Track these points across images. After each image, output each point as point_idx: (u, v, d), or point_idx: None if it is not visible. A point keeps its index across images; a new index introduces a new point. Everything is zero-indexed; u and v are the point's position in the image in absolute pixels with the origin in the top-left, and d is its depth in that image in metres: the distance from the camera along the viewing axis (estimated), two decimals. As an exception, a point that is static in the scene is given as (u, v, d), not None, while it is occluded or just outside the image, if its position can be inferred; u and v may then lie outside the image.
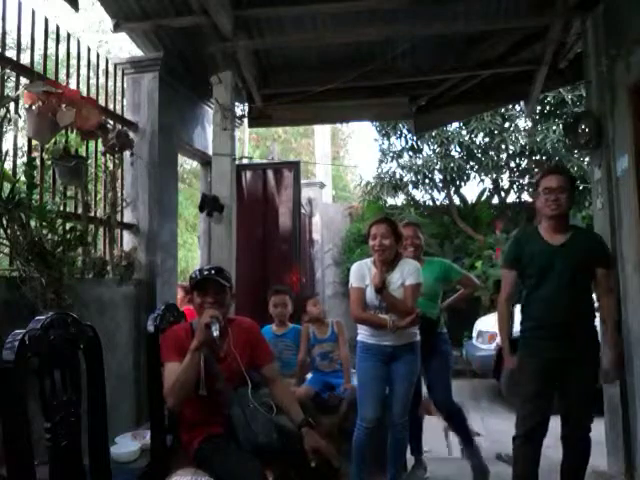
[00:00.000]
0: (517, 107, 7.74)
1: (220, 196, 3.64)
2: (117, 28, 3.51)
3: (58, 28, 3.06)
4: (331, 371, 3.53)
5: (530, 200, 8.64)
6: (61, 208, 2.84)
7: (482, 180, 8.62)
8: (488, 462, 3.32)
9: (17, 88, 2.68)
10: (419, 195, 8.98)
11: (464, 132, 8.04)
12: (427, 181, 8.59)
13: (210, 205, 3.60)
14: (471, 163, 8.27)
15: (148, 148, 3.70)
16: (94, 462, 1.84)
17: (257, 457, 2.08)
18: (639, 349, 2.93)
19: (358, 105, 4.85)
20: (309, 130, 14.67)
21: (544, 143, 7.57)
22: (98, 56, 3.47)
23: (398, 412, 2.87)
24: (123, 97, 3.75)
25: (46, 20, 2.94)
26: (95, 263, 3.08)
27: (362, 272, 2.92)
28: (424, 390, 3.43)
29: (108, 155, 3.35)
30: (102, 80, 3.50)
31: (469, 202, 9.15)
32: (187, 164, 12.13)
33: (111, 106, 3.55)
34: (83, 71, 3.56)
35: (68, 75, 3.15)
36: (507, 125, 8.04)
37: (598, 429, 3.38)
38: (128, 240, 3.64)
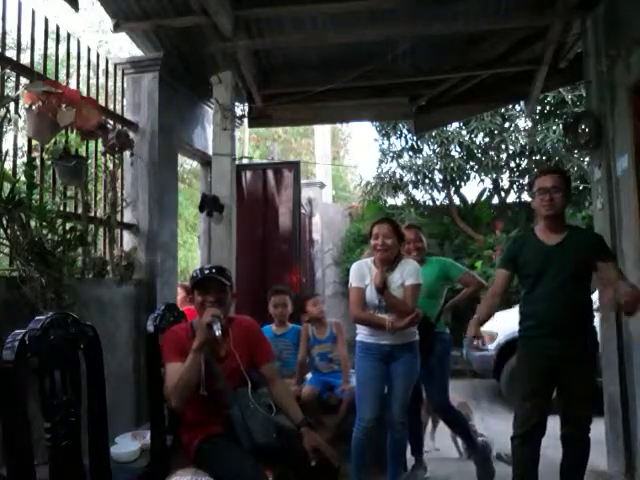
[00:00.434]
0: (517, 107, 7.75)
1: (220, 196, 3.64)
2: (117, 28, 3.51)
3: (58, 28, 3.06)
4: (330, 372, 3.54)
5: (530, 200, 8.65)
6: (61, 208, 2.84)
7: (482, 180, 8.62)
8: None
9: (17, 88, 2.68)
10: (419, 195, 8.99)
11: (464, 132, 8.04)
12: (427, 181, 8.60)
13: (210, 205, 3.60)
14: (471, 163, 8.28)
15: (148, 148, 3.70)
16: (94, 462, 1.84)
17: (257, 457, 2.08)
18: (639, 350, 2.93)
19: (358, 105, 4.85)
20: (309, 130, 14.67)
21: (544, 143, 7.57)
22: (98, 56, 3.47)
23: (397, 412, 2.87)
24: (123, 97, 3.75)
25: (46, 20, 2.94)
26: (95, 263, 3.08)
27: (362, 272, 2.92)
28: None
29: (108, 155, 3.35)
30: (102, 80, 3.50)
31: (469, 202, 9.16)
32: (187, 164, 12.13)
33: (111, 106, 3.55)
34: (83, 71, 3.56)
35: (68, 75, 3.15)
36: (507, 125, 8.04)
37: (598, 429, 3.39)
38: (128, 240, 3.64)
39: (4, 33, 2.66)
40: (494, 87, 4.58)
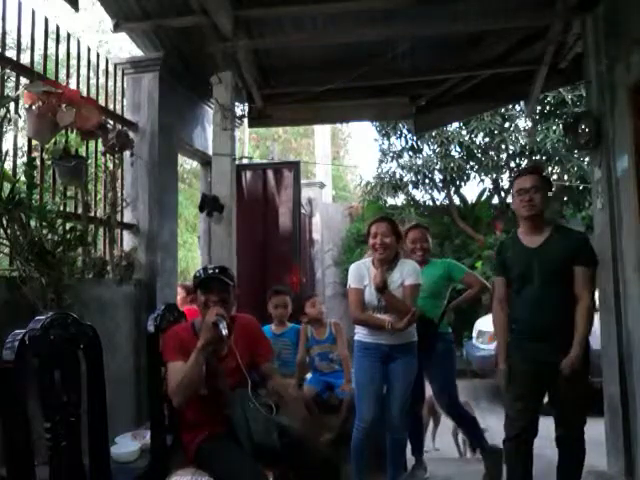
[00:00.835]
0: (517, 107, 7.75)
1: (220, 196, 3.64)
2: (117, 28, 3.51)
3: (58, 28, 3.06)
4: (331, 372, 3.54)
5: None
6: (61, 208, 2.83)
7: (482, 180, 8.62)
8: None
9: (17, 88, 2.68)
10: (419, 195, 9.00)
11: (464, 132, 8.05)
12: (427, 181, 8.60)
13: (210, 205, 3.60)
14: (471, 163, 8.28)
15: (148, 148, 3.70)
16: (94, 462, 1.84)
17: (257, 457, 2.08)
18: (639, 349, 2.93)
19: (358, 105, 4.85)
20: (309, 130, 14.68)
21: (544, 143, 7.57)
22: (98, 56, 3.47)
23: (396, 412, 2.87)
24: (123, 97, 3.75)
25: (46, 20, 2.94)
26: (95, 263, 3.08)
27: (361, 272, 2.92)
28: (428, 391, 3.43)
29: (108, 155, 3.35)
30: (102, 80, 3.50)
31: (469, 202, 9.16)
32: (187, 164, 12.14)
33: (111, 106, 3.55)
34: (83, 71, 3.56)
35: (68, 75, 3.15)
36: (507, 125, 8.04)
37: (598, 429, 3.39)
38: (128, 240, 3.64)
39: (4, 33, 2.66)
40: (494, 87, 4.58)
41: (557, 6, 3.51)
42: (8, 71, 2.64)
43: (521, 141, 7.98)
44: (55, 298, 2.40)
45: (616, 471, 3.17)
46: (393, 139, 8.82)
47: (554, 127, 7.54)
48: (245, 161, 6.64)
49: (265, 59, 4.30)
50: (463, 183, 8.67)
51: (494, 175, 8.42)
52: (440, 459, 3.71)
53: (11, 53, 2.75)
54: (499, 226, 8.29)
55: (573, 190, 8.00)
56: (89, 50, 3.36)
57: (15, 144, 2.72)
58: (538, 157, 7.99)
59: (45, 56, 2.95)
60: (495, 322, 2.74)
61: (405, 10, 3.53)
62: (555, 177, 8.23)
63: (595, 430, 3.46)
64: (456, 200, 8.99)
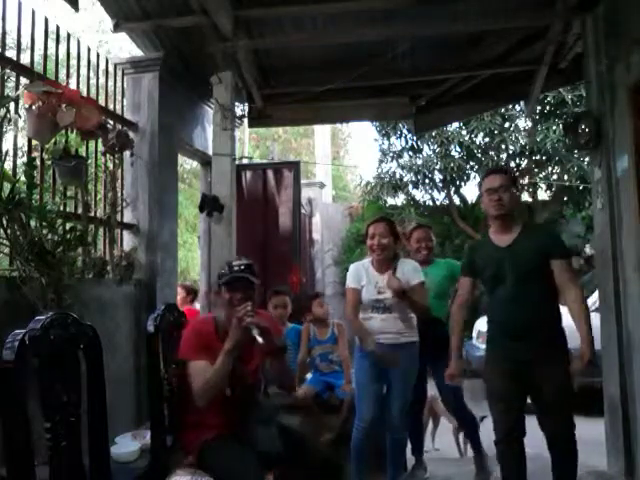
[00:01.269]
0: (517, 107, 7.75)
1: (220, 196, 3.64)
2: (117, 28, 3.51)
3: (58, 28, 3.06)
4: (331, 372, 3.54)
5: (530, 200, 8.65)
6: (61, 208, 2.84)
7: (482, 180, 8.61)
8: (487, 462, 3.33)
9: (17, 88, 2.68)
10: (419, 195, 9.00)
11: (464, 132, 8.05)
12: (427, 181, 8.60)
13: (210, 205, 3.60)
14: (471, 163, 8.28)
15: (148, 148, 3.70)
16: (94, 462, 1.84)
17: (260, 460, 2.07)
18: (639, 350, 2.93)
19: (358, 105, 4.85)
20: (309, 130, 14.68)
21: (544, 143, 7.57)
22: (98, 56, 3.47)
23: (396, 412, 2.87)
24: (123, 97, 3.75)
25: (46, 20, 2.94)
26: (95, 263, 3.08)
27: (359, 273, 2.93)
28: (432, 391, 3.43)
29: (108, 155, 3.35)
30: (102, 80, 3.50)
31: (469, 202, 9.15)
32: (187, 164, 12.14)
33: (111, 106, 3.55)
34: (83, 71, 3.56)
35: (68, 75, 3.15)
36: (507, 125, 8.04)
37: (598, 429, 3.40)
38: (128, 240, 3.64)
39: (4, 33, 2.66)
40: (494, 87, 4.58)
41: (557, 6, 3.51)
42: (8, 71, 2.64)
43: (521, 141, 7.98)
44: (55, 298, 2.39)
45: (616, 471, 3.17)
46: (393, 139, 8.82)
47: (554, 127, 7.54)
48: (245, 161, 6.64)
49: (265, 59, 4.30)
50: (463, 183, 8.67)
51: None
52: (440, 459, 3.71)
53: (11, 53, 2.75)
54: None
55: (573, 190, 8.00)
56: (89, 50, 3.36)
57: (15, 144, 2.72)
58: (538, 157, 7.99)
59: (45, 56, 2.95)
60: (452, 321, 2.75)
61: (405, 10, 3.53)
62: (555, 177, 8.24)
63: (595, 430, 3.47)
64: (456, 200, 8.99)
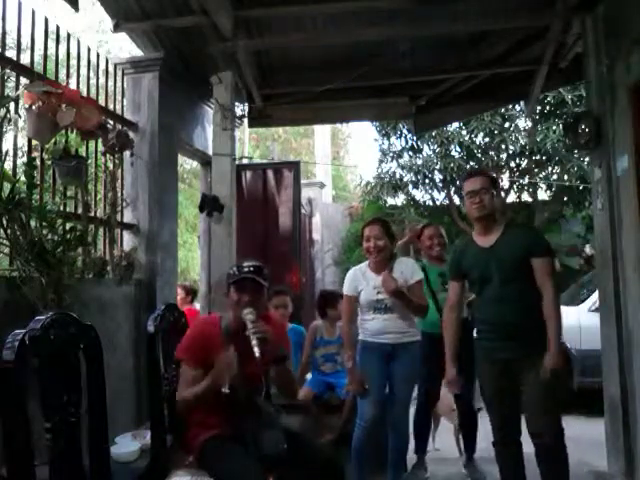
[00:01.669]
0: (517, 107, 7.75)
1: (220, 196, 3.64)
2: (117, 28, 3.51)
3: (58, 28, 3.06)
4: (332, 372, 3.53)
5: (530, 200, 8.66)
6: (61, 208, 2.84)
7: (482, 180, 8.60)
8: (487, 462, 3.33)
9: (17, 88, 2.68)
10: (419, 195, 9.00)
11: (464, 132, 8.05)
12: (427, 181, 8.60)
13: (210, 205, 3.60)
14: (471, 163, 8.28)
15: (148, 148, 3.70)
16: (94, 462, 1.84)
17: (262, 462, 2.06)
18: (639, 350, 2.93)
19: (358, 105, 4.85)
20: (309, 130, 14.69)
21: (544, 143, 7.57)
22: (98, 56, 3.47)
23: (399, 412, 2.88)
24: (123, 97, 3.75)
25: (46, 20, 2.94)
26: (95, 263, 3.08)
27: (355, 279, 2.96)
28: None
29: (108, 155, 3.35)
30: (102, 80, 3.50)
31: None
32: (187, 164, 12.14)
33: (111, 106, 3.55)
34: (83, 71, 3.56)
35: (68, 75, 3.15)
36: (507, 125, 8.04)
37: (598, 429, 3.40)
38: (128, 240, 3.64)
39: (4, 33, 2.66)
40: (494, 87, 4.58)
41: (557, 6, 3.50)
42: (8, 71, 2.64)
43: (521, 141, 7.98)
44: (55, 298, 2.40)
45: (616, 471, 3.17)
46: (393, 139, 8.83)
47: (554, 127, 7.54)
48: (245, 161, 6.65)
49: (265, 59, 4.30)
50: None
51: (494, 175, 8.42)
52: (440, 459, 3.70)
53: (11, 53, 2.75)
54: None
55: (573, 190, 8.00)
56: (89, 50, 3.36)
57: (15, 144, 2.72)
58: (538, 157, 7.99)
59: (45, 56, 2.95)
60: (444, 328, 2.73)
61: (405, 10, 3.53)
62: (555, 177, 8.24)
63: (595, 430, 3.48)
64: (456, 200, 8.98)
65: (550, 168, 8.21)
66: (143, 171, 3.67)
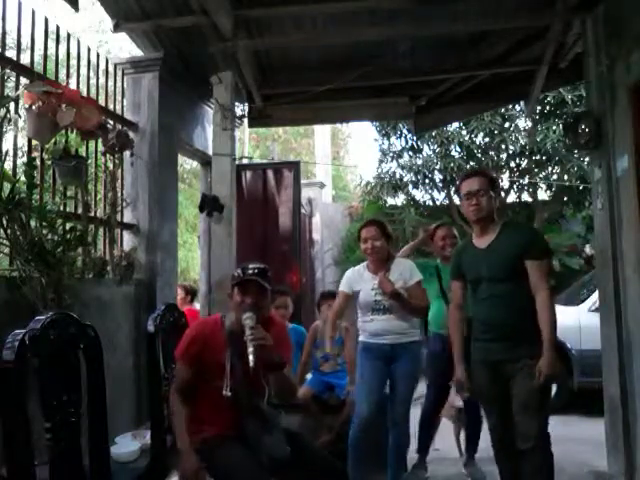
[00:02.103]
0: (517, 107, 7.74)
1: (220, 196, 3.64)
2: (117, 28, 3.51)
3: (58, 28, 3.06)
4: (332, 372, 3.53)
5: (530, 200, 8.65)
6: (61, 208, 2.84)
7: (482, 180, 8.60)
8: (486, 462, 3.33)
9: (17, 88, 2.68)
10: (419, 195, 8.99)
11: (464, 132, 8.04)
12: (427, 181, 8.59)
13: (210, 205, 3.60)
14: (471, 163, 8.27)
15: (148, 148, 3.70)
16: (94, 462, 1.84)
17: (266, 467, 2.05)
18: (639, 350, 2.93)
19: (358, 105, 4.85)
20: (309, 130, 14.67)
21: (544, 143, 7.56)
22: (98, 56, 3.47)
23: (400, 412, 2.88)
24: (123, 97, 3.75)
25: (46, 20, 2.94)
26: (95, 263, 3.08)
27: (353, 279, 2.98)
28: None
29: (108, 155, 3.35)
30: (102, 80, 3.50)
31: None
32: (187, 164, 12.13)
33: (111, 106, 3.55)
34: (83, 71, 3.56)
35: (68, 75, 3.15)
36: (507, 125, 8.03)
37: (598, 429, 3.40)
38: (128, 240, 3.64)
39: (4, 33, 2.66)
40: (494, 87, 4.58)
41: (557, 6, 3.50)
42: (8, 71, 2.64)
43: (521, 141, 7.97)
44: (55, 298, 2.40)
45: (616, 471, 3.17)
46: (393, 139, 8.81)
47: (554, 127, 7.53)
48: (245, 161, 6.65)
49: (265, 59, 4.30)
50: (463, 183, 8.64)
51: (494, 175, 8.42)
52: (440, 459, 3.70)
53: (11, 53, 2.75)
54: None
55: (573, 190, 7.99)
56: (89, 50, 3.36)
57: (15, 144, 2.72)
58: (538, 157, 7.98)
59: (45, 56, 2.96)
60: (450, 327, 2.72)
61: (405, 10, 3.53)
62: (555, 177, 8.23)
63: (595, 430, 3.48)
64: (456, 200, 8.97)
65: (550, 168, 8.20)
66: (143, 171, 3.67)
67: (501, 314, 2.44)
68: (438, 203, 8.99)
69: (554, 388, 3.00)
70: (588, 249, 8.05)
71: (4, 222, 2.35)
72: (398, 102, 4.73)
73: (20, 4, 2.74)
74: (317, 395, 3.46)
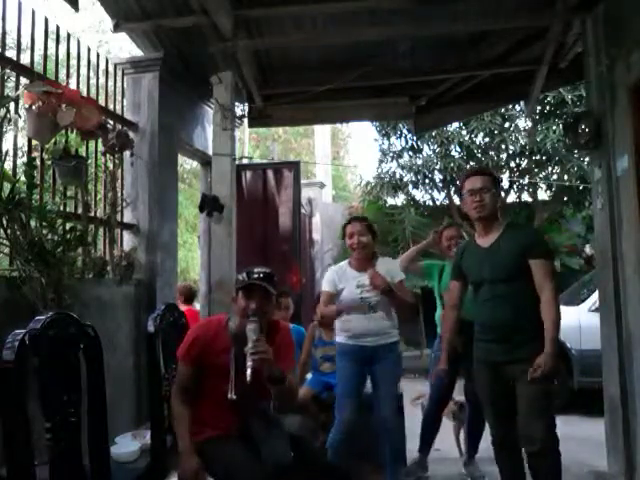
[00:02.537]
0: (517, 107, 7.74)
1: (220, 196, 3.64)
2: (117, 28, 3.51)
3: (58, 28, 3.06)
4: (332, 372, 3.53)
5: (530, 200, 8.66)
6: (61, 208, 2.84)
7: (482, 180, 8.60)
8: (486, 462, 3.33)
9: (17, 88, 2.68)
10: (419, 195, 9.00)
11: (464, 132, 8.04)
12: (427, 181, 8.60)
13: (210, 205, 3.60)
14: (471, 163, 8.27)
15: (148, 148, 3.70)
16: (94, 462, 1.84)
17: (266, 470, 2.04)
18: (639, 350, 2.93)
19: (358, 105, 4.85)
20: (309, 130, 14.68)
21: (544, 143, 7.56)
22: (98, 56, 3.47)
23: (388, 413, 2.85)
24: (123, 97, 3.75)
25: (46, 20, 2.94)
26: (95, 263, 3.08)
27: (335, 277, 2.95)
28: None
29: (108, 155, 3.35)
30: (102, 80, 3.50)
31: (469, 202, 9.13)
32: (187, 164, 12.14)
33: (111, 106, 3.55)
34: (83, 71, 3.56)
35: (68, 75, 3.15)
36: (507, 125, 8.04)
37: (598, 429, 3.40)
38: (128, 240, 3.64)
39: (4, 33, 2.66)
40: (494, 87, 4.58)
41: (557, 6, 3.50)
42: (8, 71, 2.64)
43: (521, 141, 7.98)
44: (55, 298, 2.40)
45: (616, 471, 3.17)
46: (393, 139, 8.82)
47: (554, 127, 7.53)
48: (245, 161, 6.65)
49: (265, 59, 4.30)
50: (463, 183, 8.64)
51: (496, 174, 8.42)
52: (440, 459, 3.70)
53: (11, 53, 2.75)
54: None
55: (573, 190, 7.99)
56: (89, 50, 3.36)
57: (15, 144, 2.72)
58: (538, 157, 7.98)
59: (45, 56, 2.95)
60: (443, 327, 2.73)
61: (405, 10, 3.53)
62: (555, 177, 8.23)
63: (595, 430, 3.48)
64: (456, 200, 8.97)
65: (550, 168, 8.20)
66: (143, 171, 3.67)
67: (503, 315, 2.41)
68: (438, 203, 8.99)
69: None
70: (588, 249, 8.06)
71: (4, 222, 2.35)
72: (398, 102, 4.73)
73: (20, 4, 2.74)
74: (317, 395, 3.45)
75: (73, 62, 3.23)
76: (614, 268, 3.14)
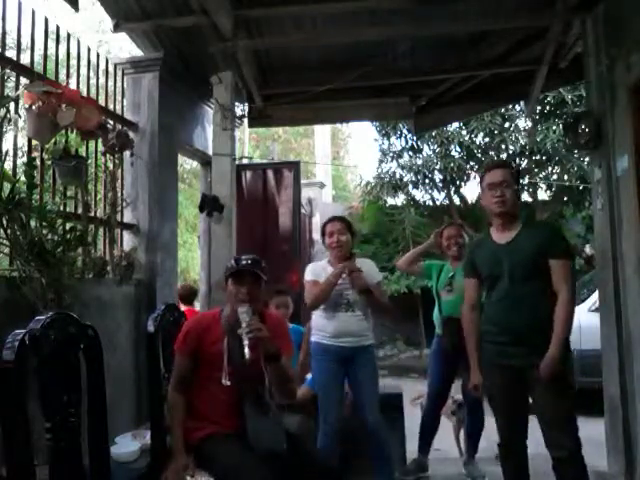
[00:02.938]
0: (517, 107, 7.75)
1: (220, 196, 3.64)
2: (117, 28, 3.51)
3: (58, 28, 3.06)
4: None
5: (530, 200, 8.66)
6: (61, 208, 2.84)
7: (482, 180, 8.62)
8: (487, 462, 3.33)
9: (17, 88, 2.68)
10: (419, 195, 9.01)
11: (464, 132, 8.05)
12: (427, 181, 8.61)
13: (210, 205, 3.60)
14: (471, 163, 8.29)
15: (148, 148, 3.70)
16: (94, 462, 1.84)
17: (261, 458, 2.05)
18: (639, 350, 2.93)
19: (358, 105, 4.85)
20: (309, 130, 14.69)
21: (544, 143, 7.57)
22: (98, 56, 3.47)
23: (372, 414, 2.80)
24: (123, 97, 3.75)
25: (46, 20, 2.94)
26: (95, 263, 3.08)
27: (317, 271, 2.95)
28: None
29: (108, 155, 3.35)
30: (102, 80, 3.50)
31: (469, 202, 9.15)
32: (187, 164, 12.15)
33: (111, 106, 3.55)
34: (83, 71, 3.56)
35: (68, 75, 3.15)
36: (507, 125, 8.04)
37: (598, 429, 3.40)
38: (128, 240, 3.64)
39: (4, 33, 2.66)
40: (494, 87, 4.58)
41: (557, 6, 3.50)
42: (8, 71, 2.64)
43: (521, 141, 7.99)
44: (55, 298, 2.40)
45: (616, 471, 3.17)
46: (393, 139, 8.83)
47: (554, 127, 7.54)
48: (245, 161, 6.65)
49: (265, 59, 4.30)
50: (463, 183, 8.68)
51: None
52: (440, 459, 3.70)
53: (11, 53, 2.75)
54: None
55: (573, 190, 8.00)
56: (89, 50, 3.36)
57: (15, 144, 2.72)
58: (538, 157, 7.99)
59: (45, 56, 2.95)
60: (465, 330, 2.57)
61: (405, 10, 3.53)
62: (555, 177, 8.24)
63: (595, 430, 3.47)
64: (456, 200, 8.99)
65: (550, 168, 8.21)
66: (143, 171, 3.67)
67: (520, 317, 2.31)
68: (438, 203, 9.00)
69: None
70: (588, 249, 8.06)
71: (4, 222, 2.35)
72: (398, 102, 4.74)
73: (20, 4, 2.74)
74: (316, 394, 3.45)
75: (73, 62, 3.22)
76: (614, 268, 3.14)
